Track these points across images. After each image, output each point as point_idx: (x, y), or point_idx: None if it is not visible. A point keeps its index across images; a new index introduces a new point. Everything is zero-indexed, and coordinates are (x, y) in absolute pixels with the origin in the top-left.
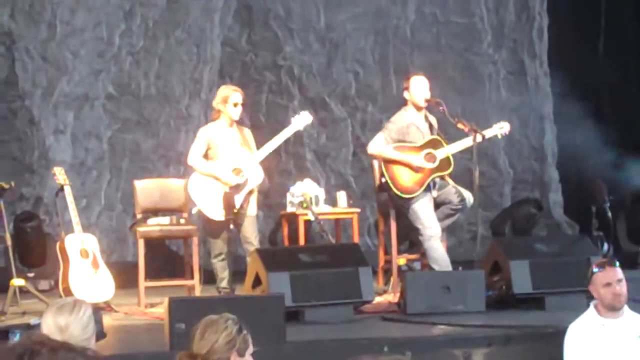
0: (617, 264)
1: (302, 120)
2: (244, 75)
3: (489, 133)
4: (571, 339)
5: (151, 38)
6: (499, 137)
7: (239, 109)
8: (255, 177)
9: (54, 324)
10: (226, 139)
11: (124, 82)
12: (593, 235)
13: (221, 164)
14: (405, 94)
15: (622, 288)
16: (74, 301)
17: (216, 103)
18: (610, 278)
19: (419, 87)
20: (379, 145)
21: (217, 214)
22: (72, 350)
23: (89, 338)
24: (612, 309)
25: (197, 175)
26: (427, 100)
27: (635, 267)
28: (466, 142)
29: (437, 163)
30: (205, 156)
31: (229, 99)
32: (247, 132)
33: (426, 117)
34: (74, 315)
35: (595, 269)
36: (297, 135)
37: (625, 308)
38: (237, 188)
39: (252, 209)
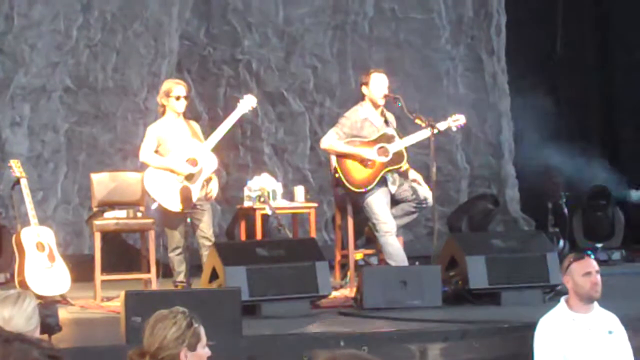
0: (593, 256)
1: (247, 103)
2: (202, 69)
3: (442, 125)
4: (541, 334)
5: (109, 31)
6: (454, 129)
7: (183, 101)
8: (210, 165)
9: None
10: (175, 132)
11: (81, 74)
12: (549, 232)
13: (174, 156)
14: (364, 89)
15: (599, 278)
16: (17, 293)
17: (159, 98)
18: (589, 267)
19: (378, 84)
20: (330, 140)
21: (175, 205)
22: (26, 342)
23: (32, 330)
24: (588, 298)
25: (151, 170)
26: (385, 97)
27: None
28: (419, 136)
29: (390, 157)
30: (157, 153)
31: (172, 92)
32: (194, 124)
33: (382, 113)
34: (17, 307)
35: (572, 260)
36: (255, 129)
37: (595, 304)
38: (191, 177)
39: (207, 204)
